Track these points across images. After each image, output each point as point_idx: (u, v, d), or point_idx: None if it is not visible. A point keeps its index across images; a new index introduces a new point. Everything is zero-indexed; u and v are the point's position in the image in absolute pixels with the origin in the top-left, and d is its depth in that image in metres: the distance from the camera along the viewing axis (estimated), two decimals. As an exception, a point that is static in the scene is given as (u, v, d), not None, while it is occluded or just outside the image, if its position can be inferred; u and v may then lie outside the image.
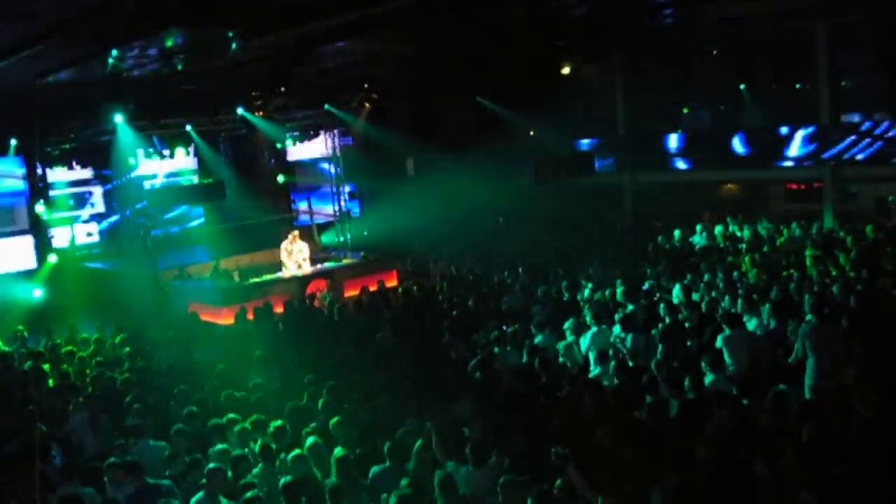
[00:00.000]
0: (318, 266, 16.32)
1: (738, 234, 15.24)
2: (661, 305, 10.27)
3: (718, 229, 15.67)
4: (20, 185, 15.96)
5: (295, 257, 15.57)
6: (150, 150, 18.13)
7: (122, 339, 11.87)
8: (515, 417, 6.81)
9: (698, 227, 15.90)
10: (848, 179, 17.30)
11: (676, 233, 15.67)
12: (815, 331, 8.13)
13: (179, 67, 13.57)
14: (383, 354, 9.80)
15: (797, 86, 18.86)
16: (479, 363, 8.62)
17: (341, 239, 19.10)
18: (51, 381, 10.01)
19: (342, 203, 19.53)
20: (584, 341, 9.23)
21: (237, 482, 6.29)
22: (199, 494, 6.05)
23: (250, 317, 12.42)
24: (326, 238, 19.35)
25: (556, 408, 7.19)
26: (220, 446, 6.89)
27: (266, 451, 6.68)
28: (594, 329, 9.36)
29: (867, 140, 16.55)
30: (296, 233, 16.01)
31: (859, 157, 16.61)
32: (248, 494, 5.79)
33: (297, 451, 6.41)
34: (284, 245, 15.59)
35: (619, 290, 11.10)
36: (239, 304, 13.29)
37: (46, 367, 10.53)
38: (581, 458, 5.81)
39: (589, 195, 19.29)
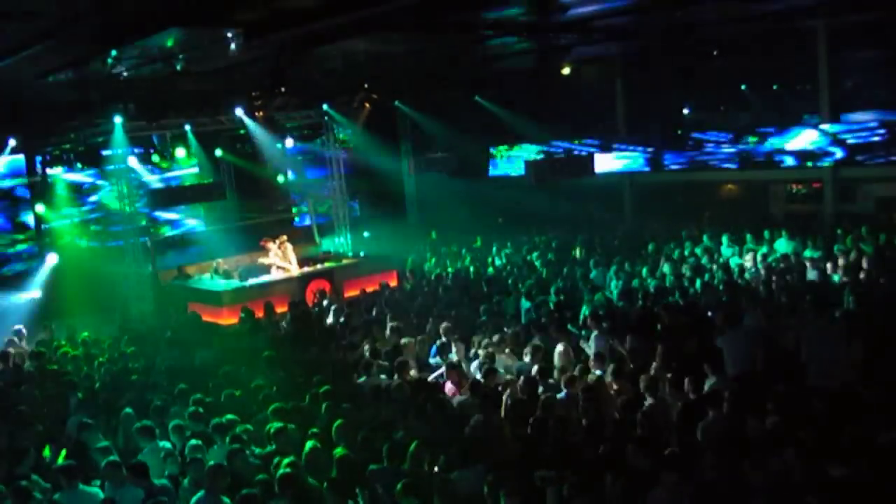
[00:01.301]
0: (318, 266, 16.32)
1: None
2: (660, 306, 10.28)
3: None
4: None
5: (288, 258, 15.61)
6: (151, 150, 18.13)
7: (122, 339, 11.90)
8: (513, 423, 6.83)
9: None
10: (848, 179, 17.29)
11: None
12: (813, 330, 8.13)
13: (179, 68, 13.57)
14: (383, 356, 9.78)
15: (797, 86, 18.85)
16: (480, 368, 8.60)
17: (341, 239, 19.10)
18: (51, 381, 10.00)
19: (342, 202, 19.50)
20: (582, 343, 9.23)
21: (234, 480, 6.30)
22: (200, 493, 6.06)
23: (260, 314, 12.48)
24: (326, 238, 19.34)
25: (553, 413, 7.16)
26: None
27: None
28: (592, 331, 9.34)
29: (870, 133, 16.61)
30: (283, 237, 15.96)
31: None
32: (245, 491, 5.79)
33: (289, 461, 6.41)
34: (273, 250, 15.54)
35: (615, 292, 11.11)
36: (239, 304, 13.32)
37: (49, 367, 10.55)
38: (577, 463, 5.84)
39: (589, 195, 19.31)
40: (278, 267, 15.48)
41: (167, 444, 7.22)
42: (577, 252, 15.47)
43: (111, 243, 17.77)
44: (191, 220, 20.02)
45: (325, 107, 18.00)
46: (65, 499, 6.26)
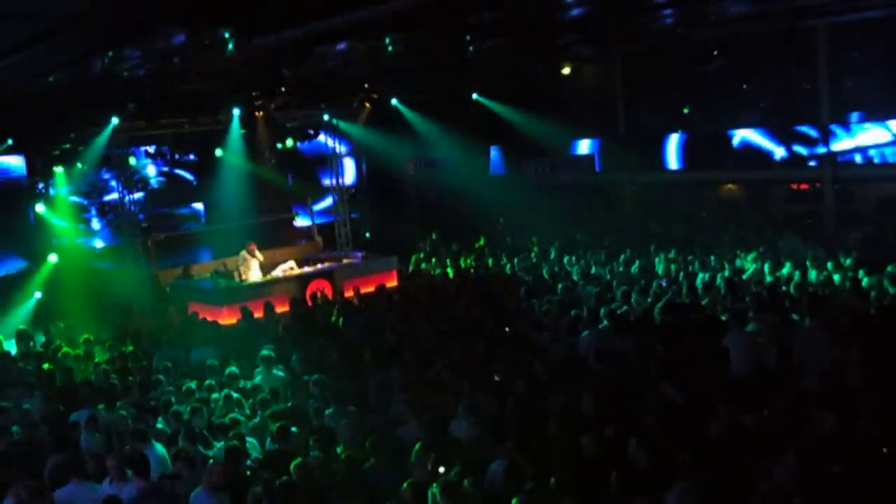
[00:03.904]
0: (319, 266, 16.32)
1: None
2: (663, 305, 10.26)
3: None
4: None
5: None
6: (151, 149, 18.12)
7: (122, 339, 11.89)
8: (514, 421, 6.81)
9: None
10: (848, 180, 17.29)
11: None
12: (809, 332, 8.12)
13: (179, 68, 13.57)
14: (384, 355, 9.77)
15: (798, 85, 18.85)
16: (481, 366, 8.59)
17: (342, 239, 19.08)
18: (52, 381, 9.99)
19: (343, 202, 19.49)
20: (584, 340, 9.22)
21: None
22: (197, 489, 6.04)
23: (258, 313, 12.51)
24: (327, 238, 19.33)
25: (556, 408, 7.16)
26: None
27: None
28: (594, 328, 9.34)
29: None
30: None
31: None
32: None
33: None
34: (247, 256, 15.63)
35: (619, 290, 11.10)
36: (239, 303, 13.31)
37: (46, 366, 10.54)
38: (578, 460, 5.83)
39: (589, 195, 19.32)
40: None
41: (161, 448, 7.21)
42: (579, 251, 15.47)
43: (111, 242, 17.76)
44: (191, 220, 20.01)
45: (324, 107, 17.99)
46: (64, 496, 6.25)
